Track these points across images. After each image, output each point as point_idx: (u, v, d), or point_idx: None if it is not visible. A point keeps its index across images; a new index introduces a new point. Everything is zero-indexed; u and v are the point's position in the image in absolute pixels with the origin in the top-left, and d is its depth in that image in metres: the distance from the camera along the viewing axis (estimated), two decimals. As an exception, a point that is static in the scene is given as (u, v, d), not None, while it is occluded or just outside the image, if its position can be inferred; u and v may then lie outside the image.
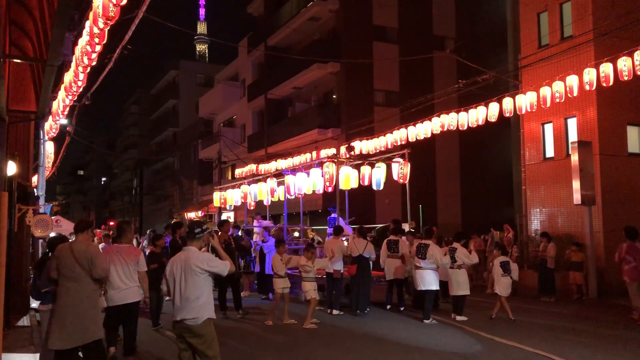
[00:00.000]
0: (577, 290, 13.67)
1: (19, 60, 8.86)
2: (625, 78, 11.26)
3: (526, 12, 17.65)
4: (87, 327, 5.57)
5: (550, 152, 16.88)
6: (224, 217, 28.02)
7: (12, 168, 8.73)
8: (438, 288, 10.72)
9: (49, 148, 17.08)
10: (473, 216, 24.94)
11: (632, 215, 14.48)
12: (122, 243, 7.28)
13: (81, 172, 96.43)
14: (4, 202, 4.88)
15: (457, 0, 28.75)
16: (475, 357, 7.69)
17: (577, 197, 14.12)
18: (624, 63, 11.17)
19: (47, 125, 14.64)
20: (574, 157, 14.22)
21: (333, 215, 14.26)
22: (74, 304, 5.58)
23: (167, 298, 5.41)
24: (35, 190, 13.96)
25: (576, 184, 14.08)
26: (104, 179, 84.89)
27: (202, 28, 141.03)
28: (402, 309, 11.47)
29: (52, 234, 14.98)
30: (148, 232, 17.35)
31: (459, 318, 10.42)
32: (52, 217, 14.79)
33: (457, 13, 28.60)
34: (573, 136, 15.75)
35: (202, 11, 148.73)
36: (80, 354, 5.69)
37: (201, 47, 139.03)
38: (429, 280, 10.29)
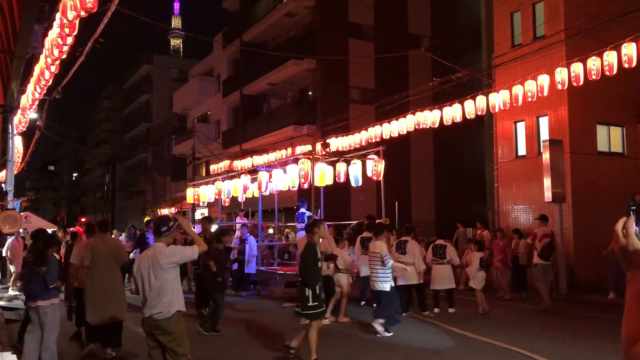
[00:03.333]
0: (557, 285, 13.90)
1: (-15, 52, 8.64)
2: (594, 77, 11.46)
3: (500, 11, 17.86)
4: (116, 308, 7.30)
5: (522, 150, 17.12)
6: (197, 213, 27.83)
7: (-22, 162, 8.52)
8: (417, 282, 10.88)
9: (18, 143, 16.72)
10: (447, 213, 25.16)
11: (601, 212, 14.78)
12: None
13: (52, 168, 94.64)
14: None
15: (433, -1, 28.97)
16: (444, 353, 7.78)
17: (548, 195, 14.36)
18: (593, 63, 11.37)
19: (16, 120, 14.31)
20: (546, 155, 14.46)
21: (302, 210, 14.20)
22: (106, 288, 7.25)
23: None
24: (3, 185, 13.66)
25: (547, 182, 14.32)
26: (75, 174, 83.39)
27: (176, 22, 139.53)
28: (375, 305, 11.54)
29: (21, 230, 14.73)
30: (128, 227, 17.08)
31: (450, 310, 10.97)
32: (22, 213, 14.49)
33: (432, 12, 28.80)
34: (545, 135, 16.00)
35: (176, 5, 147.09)
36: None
37: (175, 42, 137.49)
38: (409, 275, 10.49)
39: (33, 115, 14.94)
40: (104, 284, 7.29)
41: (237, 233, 15.26)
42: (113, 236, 16.07)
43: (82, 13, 6.62)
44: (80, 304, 8.19)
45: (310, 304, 6.87)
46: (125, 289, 7.74)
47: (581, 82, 11.78)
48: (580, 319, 10.58)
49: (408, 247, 10.60)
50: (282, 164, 13.91)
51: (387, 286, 8.94)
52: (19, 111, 13.48)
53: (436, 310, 11.00)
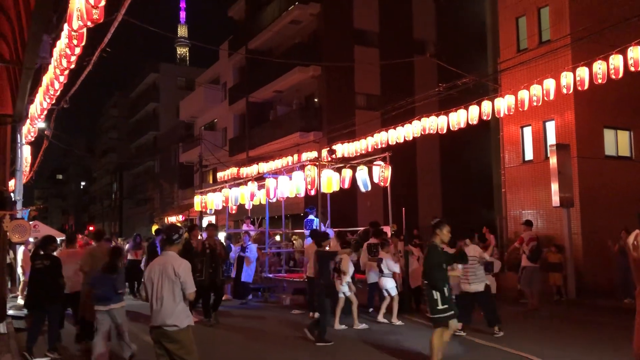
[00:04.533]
0: (557, 291, 13.83)
1: (-5, 63, 8.72)
2: (600, 81, 11.44)
3: (505, 16, 17.87)
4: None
5: (529, 155, 17.08)
6: (204, 221, 27.86)
7: (-12, 172, 8.59)
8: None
9: (26, 152, 16.83)
10: (454, 218, 24.98)
11: (609, 216, 14.71)
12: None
13: (60, 177, 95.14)
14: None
15: (438, 5, 28.99)
16: (452, 359, 7.73)
17: (555, 200, 14.31)
18: (599, 67, 11.35)
19: (24, 129, 14.41)
20: (553, 160, 14.41)
21: (311, 217, 14.21)
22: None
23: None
24: (12, 195, 13.73)
25: (555, 186, 14.26)
26: (83, 183, 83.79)
27: (182, 31, 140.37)
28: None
29: (31, 239, 14.81)
30: (134, 236, 17.12)
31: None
32: (30, 222, 14.55)
33: (437, 18, 28.83)
34: (551, 139, 15.96)
35: (182, 14, 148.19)
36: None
37: (182, 51, 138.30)
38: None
39: (41, 124, 15.05)
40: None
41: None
42: (118, 244, 16.20)
43: (89, 24, 6.69)
44: (76, 306, 8.83)
45: (440, 307, 6.65)
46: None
47: (587, 86, 11.76)
48: (590, 324, 10.51)
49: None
50: (289, 170, 13.93)
51: (482, 287, 9.19)
52: (28, 121, 13.58)
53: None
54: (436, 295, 6.71)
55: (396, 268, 10.65)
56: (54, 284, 8.07)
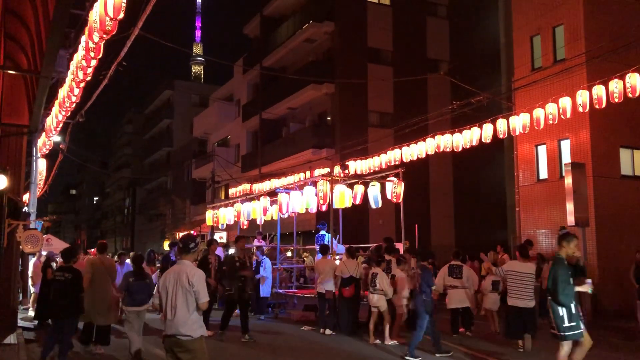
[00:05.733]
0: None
1: (13, 72, 8.83)
2: (617, 100, 11.34)
3: (519, 35, 17.85)
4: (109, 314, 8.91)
5: (543, 174, 16.93)
6: (216, 236, 27.85)
7: (2, 182, 8.65)
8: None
9: (41, 165, 16.97)
10: (466, 237, 24.87)
11: (625, 236, 14.48)
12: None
13: (73, 192, 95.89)
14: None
15: (451, 24, 29.11)
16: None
17: (570, 219, 14.10)
18: (615, 85, 11.25)
19: (39, 142, 14.55)
20: (568, 179, 14.24)
21: (322, 232, 14.13)
22: (104, 297, 8.75)
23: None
24: (26, 208, 13.82)
25: (570, 206, 14.06)
26: (96, 198, 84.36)
27: (197, 50, 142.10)
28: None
29: (44, 252, 14.87)
30: (147, 251, 17.15)
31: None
32: (44, 236, 14.61)
33: (451, 36, 28.93)
34: (566, 158, 15.81)
35: (197, 33, 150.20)
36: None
37: (197, 69, 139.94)
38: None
39: (56, 138, 15.19)
40: (103, 293, 8.77)
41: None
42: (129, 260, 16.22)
43: (104, 35, 6.75)
44: None
45: (567, 324, 6.38)
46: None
47: (603, 105, 11.65)
48: (604, 346, 10.28)
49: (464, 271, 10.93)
50: (301, 186, 13.91)
51: (532, 304, 9.18)
52: (43, 134, 13.71)
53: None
54: (562, 311, 6.41)
55: (389, 291, 10.37)
56: (75, 297, 8.12)
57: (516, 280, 9.18)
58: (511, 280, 9.29)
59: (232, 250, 14.86)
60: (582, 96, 11.90)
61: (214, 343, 9.46)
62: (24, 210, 12.93)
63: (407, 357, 8.64)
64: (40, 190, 18.70)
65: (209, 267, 10.64)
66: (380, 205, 13.80)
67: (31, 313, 14.30)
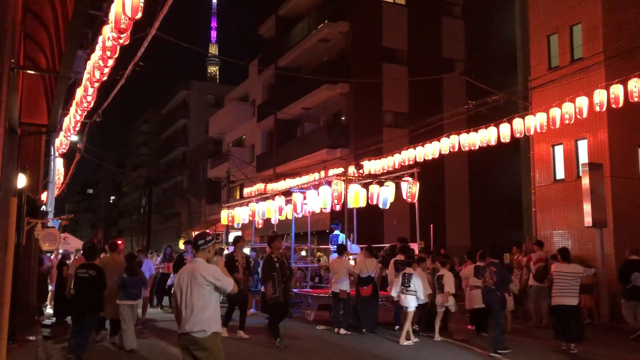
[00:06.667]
0: (588, 313, 13.43)
1: (32, 72, 8.95)
2: (636, 99, 11.20)
3: (536, 34, 17.69)
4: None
5: (560, 174, 16.76)
6: (231, 236, 27.97)
7: (22, 180, 8.78)
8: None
9: (59, 165, 17.18)
10: (482, 238, 24.69)
11: (644, 238, 14.26)
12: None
13: (90, 191, 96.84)
14: (13, 207, 4.88)
15: (467, 23, 28.95)
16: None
17: (588, 220, 13.96)
18: (634, 84, 11.12)
19: (57, 142, 14.74)
20: (585, 180, 14.09)
21: (336, 232, 14.13)
22: (113, 293, 9.09)
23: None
24: (44, 207, 14.01)
25: (587, 207, 13.92)
26: (112, 197, 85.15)
27: (213, 50, 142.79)
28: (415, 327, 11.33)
29: (61, 251, 15.07)
30: (164, 248, 17.29)
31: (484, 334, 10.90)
32: (61, 234, 14.80)
33: (466, 35, 28.77)
34: (584, 158, 15.64)
35: (213, 34, 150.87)
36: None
37: (212, 69, 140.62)
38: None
39: (74, 137, 15.37)
40: (113, 290, 9.10)
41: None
42: (149, 257, 16.43)
43: (119, 34, 6.81)
44: None
45: None
46: None
47: (621, 104, 11.52)
48: (621, 348, 10.16)
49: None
50: (316, 185, 13.92)
51: (577, 301, 9.41)
52: (62, 133, 13.89)
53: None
54: None
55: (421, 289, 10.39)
56: (98, 294, 8.30)
57: (561, 280, 9.46)
58: (557, 280, 9.57)
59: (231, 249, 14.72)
60: (600, 95, 11.78)
61: (230, 342, 9.51)
62: (42, 208, 13.12)
63: (492, 354, 8.82)
64: (58, 189, 18.95)
65: (236, 264, 10.48)
66: (388, 206, 13.77)
67: (49, 310, 14.50)
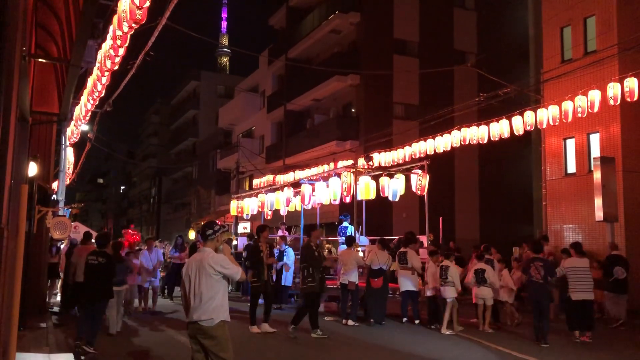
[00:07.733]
0: (598, 308, 13.34)
1: (43, 60, 8.98)
2: (650, 93, 11.08)
3: (549, 26, 17.52)
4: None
5: (572, 168, 16.64)
6: (240, 227, 28.08)
7: (33, 169, 8.82)
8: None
9: (69, 154, 17.29)
10: (492, 232, 24.60)
11: (656, 233, 14.15)
12: None
13: (101, 180, 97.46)
14: (24, 195, 4.91)
15: (479, 15, 28.69)
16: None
17: (599, 214, 13.86)
18: (649, 78, 11.00)
19: (68, 131, 14.82)
20: (597, 174, 13.97)
21: (345, 223, 14.11)
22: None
23: None
24: (55, 196, 14.10)
25: (598, 201, 13.82)
26: (123, 187, 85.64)
27: (223, 41, 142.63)
28: (416, 322, 11.32)
29: (72, 236, 15.16)
30: (175, 237, 17.37)
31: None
32: (72, 223, 14.90)
33: (478, 27, 28.52)
34: (595, 152, 15.52)
35: (224, 24, 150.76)
36: None
37: (222, 60, 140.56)
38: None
39: (84, 127, 15.44)
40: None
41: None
42: (158, 246, 16.50)
43: (133, 25, 6.82)
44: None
45: None
46: None
47: (635, 98, 11.40)
48: (629, 342, 10.11)
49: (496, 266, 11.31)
50: (325, 177, 13.90)
51: (592, 296, 9.84)
52: (72, 122, 13.96)
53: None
54: None
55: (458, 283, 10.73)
56: (107, 281, 8.34)
57: (578, 275, 9.72)
58: (573, 275, 9.75)
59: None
60: (614, 89, 11.65)
61: (238, 333, 9.54)
62: (53, 197, 13.21)
63: (543, 345, 9.13)
64: (68, 178, 19.08)
65: (261, 255, 10.22)
66: (397, 199, 13.73)
67: (58, 298, 14.63)
